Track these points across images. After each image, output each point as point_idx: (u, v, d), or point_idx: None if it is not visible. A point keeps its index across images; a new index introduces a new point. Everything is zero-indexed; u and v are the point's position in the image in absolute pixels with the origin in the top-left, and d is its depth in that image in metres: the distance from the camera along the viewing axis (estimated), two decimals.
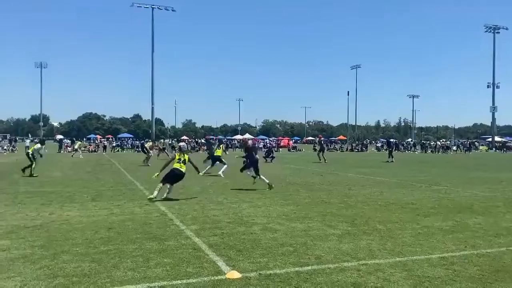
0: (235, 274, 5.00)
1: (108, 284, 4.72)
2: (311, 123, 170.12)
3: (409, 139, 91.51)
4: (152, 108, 62.58)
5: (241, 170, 14.43)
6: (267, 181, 13.05)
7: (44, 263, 5.47)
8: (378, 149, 63.95)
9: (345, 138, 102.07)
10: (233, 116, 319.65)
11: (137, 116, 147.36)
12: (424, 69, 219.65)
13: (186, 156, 11.35)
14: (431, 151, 58.61)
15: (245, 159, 15.28)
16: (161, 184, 10.94)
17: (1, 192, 12.32)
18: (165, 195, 10.95)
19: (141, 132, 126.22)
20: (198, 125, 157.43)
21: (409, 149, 63.94)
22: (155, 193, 10.77)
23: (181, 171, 11.05)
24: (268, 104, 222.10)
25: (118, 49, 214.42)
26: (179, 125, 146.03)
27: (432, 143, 68.11)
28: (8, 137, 77.95)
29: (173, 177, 11.05)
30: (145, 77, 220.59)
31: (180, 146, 12.19)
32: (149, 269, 5.24)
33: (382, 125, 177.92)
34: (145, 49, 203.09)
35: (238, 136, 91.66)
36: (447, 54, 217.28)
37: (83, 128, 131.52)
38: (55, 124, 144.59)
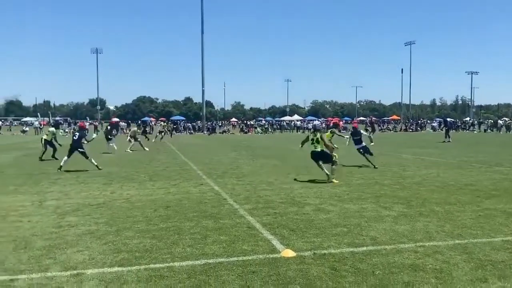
0: (289, 253, 5.07)
1: (169, 259, 4.94)
2: (362, 103, 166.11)
3: (467, 118, 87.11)
4: (203, 90, 63.43)
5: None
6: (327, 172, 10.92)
7: (109, 238, 5.81)
8: (433, 128, 61.34)
9: (399, 118, 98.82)
10: (282, 97, 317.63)
11: (188, 99, 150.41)
12: (484, 44, 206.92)
13: (318, 135, 10.98)
14: (491, 130, 55.48)
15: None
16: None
17: (66, 172, 13.11)
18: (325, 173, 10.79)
19: (192, 114, 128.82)
20: (247, 107, 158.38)
21: (467, 128, 60.95)
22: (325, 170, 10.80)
23: (317, 151, 10.91)
24: (317, 85, 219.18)
25: (170, 33, 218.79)
26: (228, 107, 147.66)
27: (492, 121, 64.37)
28: (68, 121, 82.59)
29: (316, 158, 11.03)
30: (195, 60, 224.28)
31: (315, 125, 12.17)
32: (206, 246, 5.43)
33: (438, 103, 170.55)
34: (195, 33, 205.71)
35: (287, 118, 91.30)
36: (509, 26, 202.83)
37: (138, 111, 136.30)
38: (112, 107, 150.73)
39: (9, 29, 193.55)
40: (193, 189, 9.82)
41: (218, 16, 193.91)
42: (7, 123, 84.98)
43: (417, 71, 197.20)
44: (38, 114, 38.15)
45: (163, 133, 33.81)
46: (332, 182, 10.49)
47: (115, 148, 21.36)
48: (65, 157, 13.70)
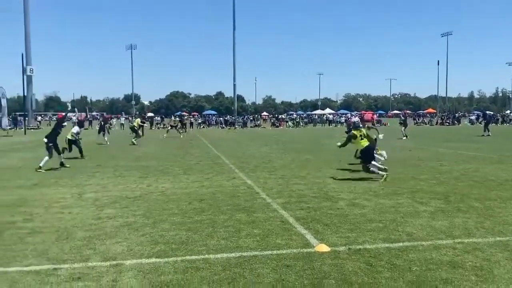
0: (324, 247, 5.05)
1: (204, 251, 5.02)
2: (396, 96, 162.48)
3: (508, 111, 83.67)
4: (234, 85, 63.93)
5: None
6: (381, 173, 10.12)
7: (146, 230, 5.95)
8: (471, 122, 59.38)
9: (434, 111, 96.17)
10: (313, 91, 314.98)
11: (220, 94, 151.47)
12: None
13: (363, 131, 10.64)
14: None
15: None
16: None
17: (103, 166, 13.51)
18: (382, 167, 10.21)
19: (223, 108, 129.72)
20: (278, 101, 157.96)
21: (507, 121, 58.59)
22: (380, 172, 9.96)
23: (369, 147, 10.24)
24: (350, 78, 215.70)
25: (201, 28, 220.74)
26: (259, 101, 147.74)
27: None
28: (103, 115, 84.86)
29: (372, 154, 10.28)
30: (227, 55, 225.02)
31: (354, 122, 11.23)
32: (240, 239, 5.48)
33: (476, 96, 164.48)
34: (227, 28, 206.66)
35: (318, 111, 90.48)
36: None
37: (171, 106, 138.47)
38: (146, 102, 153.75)
39: (48, 28, 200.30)
40: (226, 183, 9.91)
41: (250, 11, 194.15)
42: (47, 118, 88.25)
43: (454, 63, 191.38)
44: (76, 109, 39.32)
45: (178, 128, 32.20)
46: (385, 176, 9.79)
47: (106, 139, 23.66)
48: (46, 157, 12.44)
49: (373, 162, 10.18)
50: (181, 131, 31.07)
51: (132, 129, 25.30)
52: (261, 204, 7.54)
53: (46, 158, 12.47)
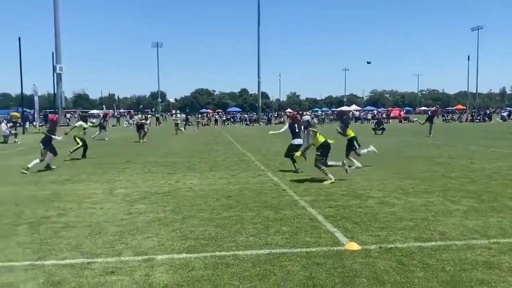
0: (354, 246, 4.99)
1: (233, 248, 5.05)
2: (424, 92, 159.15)
3: None
4: (259, 82, 63.81)
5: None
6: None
7: (176, 226, 6.03)
8: (503, 118, 57.63)
9: (464, 107, 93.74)
10: (338, 87, 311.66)
11: (244, 90, 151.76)
12: None
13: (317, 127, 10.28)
14: None
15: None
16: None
17: (132, 162, 13.75)
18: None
19: (247, 105, 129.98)
20: (302, 97, 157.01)
21: None
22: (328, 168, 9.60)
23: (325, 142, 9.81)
24: (376, 73, 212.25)
25: (226, 25, 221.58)
26: (283, 98, 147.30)
27: None
28: (130, 113, 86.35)
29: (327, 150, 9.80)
30: (251, 52, 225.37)
31: (308, 120, 10.66)
32: (269, 236, 5.48)
33: (509, 92, 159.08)
34: (251, 25, 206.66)
35: (344, 108, 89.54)
36: None
37: (196, 103, 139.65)
38: (171, 100, 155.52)
39: (76, 26, 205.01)
40: (252, 180, 9.93)
41: (274, 7, 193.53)
42: (76, 115, 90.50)
43: (485, 58, 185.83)
44: (104, 106, 40.25)
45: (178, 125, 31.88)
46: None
47: (106, 134, 25.67)
48: (37, 160, 11.85)
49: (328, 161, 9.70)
50: (142, 134, 24.00)
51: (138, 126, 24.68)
52: (288, 202, 7.52)
53: (37, 160, 11.79)
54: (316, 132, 9.93)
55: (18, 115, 38.99)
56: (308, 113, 51.07)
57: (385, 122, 38.33)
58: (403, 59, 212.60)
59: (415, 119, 31.21)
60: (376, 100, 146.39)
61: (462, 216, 6.37)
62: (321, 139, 9.83)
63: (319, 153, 9.66)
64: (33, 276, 4.28)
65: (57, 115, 24.44)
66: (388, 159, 13.64)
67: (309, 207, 7.07)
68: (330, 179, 9.38)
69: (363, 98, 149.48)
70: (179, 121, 33.09)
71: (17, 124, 33.54)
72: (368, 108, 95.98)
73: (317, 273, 4.23)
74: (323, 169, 9.55)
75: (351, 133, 11.91)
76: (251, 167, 12.13)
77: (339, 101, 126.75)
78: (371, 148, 12.21)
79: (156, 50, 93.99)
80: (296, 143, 11.27)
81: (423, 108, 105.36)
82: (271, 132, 13.25)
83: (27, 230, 5.96)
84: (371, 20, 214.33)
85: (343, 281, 4.05)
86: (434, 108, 29.10)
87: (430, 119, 26.60)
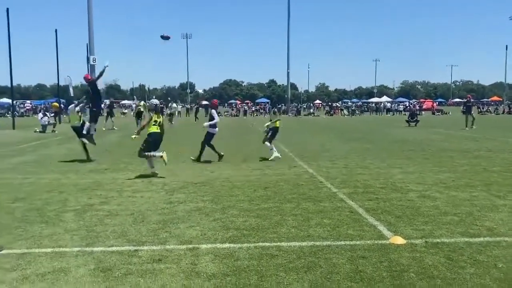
0: (399, 240, 4.90)
1: (276, 239, 5.05)
2: (458, 83, 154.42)
3: None
4: (288, 73, 63.30)
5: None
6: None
7: (216, 215, 6.08)
8: None
9: (500, 99, 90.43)
10: (369, 78, 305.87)
11: (272, 81, 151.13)
12: None
13: (160, 116, 9.83)
14: None
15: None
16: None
17: (168, 152, 13.90)
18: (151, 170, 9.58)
19: (275, 96, 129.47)
20: (331, 88, 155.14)
21: None
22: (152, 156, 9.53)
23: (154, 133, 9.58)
24: (408, 64, 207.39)
25: (255, 16, 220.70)
26: (312, 89, 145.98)
27: None
28: (161, 103, 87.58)
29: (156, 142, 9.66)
30: (280, 42, 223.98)
31: (155, 104, 10.00)
32: (310, 228, 5.45)
33: None
34: (281, 15, 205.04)
35: (374, 99, 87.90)
36: None
37: (224, 94, 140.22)
38: (200, 91, 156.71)
39: (106, 19, 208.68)
40: (287, 171, 9.90)
41: None
42: (106, 105, 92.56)
43: None
44: (135, 97, 41.02)
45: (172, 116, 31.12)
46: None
47: (113, 122, 27.21)
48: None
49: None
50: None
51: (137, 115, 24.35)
52: (326, 194, 7.46)
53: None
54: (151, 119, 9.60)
55: (58, 105, 40.11)
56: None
57: (417, 114, 37.38)
58: (436, 50, 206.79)
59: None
60: (407, 91, 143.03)
61: (509, 211, 6.17)
62: (154, 129, 9.56)
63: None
64: (83, 262, 4.41)
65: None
66: (424, 151, 13.35)
67: (349, 199, 6.99)
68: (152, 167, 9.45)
69: (393, 89, 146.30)
70: (175, 112, 32.53)
71: (58, 115, 34.45)
72: (400, 99, 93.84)
73: (364, 267, 4.18)
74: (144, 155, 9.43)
75: (277, 124, 12.63)
76: (285, 158, 12.09)
77: (369, 92, 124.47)
78: (276, 154, 12.06)
79: (186, 41, 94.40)
80: None
81: (457, 99, 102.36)
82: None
83: (74, 217, 6.14)
84: (402, 9, 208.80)
85: (391, 275, 3.98)
86: (468, 96, 27.14)
87: (468, 110, 25.27)
